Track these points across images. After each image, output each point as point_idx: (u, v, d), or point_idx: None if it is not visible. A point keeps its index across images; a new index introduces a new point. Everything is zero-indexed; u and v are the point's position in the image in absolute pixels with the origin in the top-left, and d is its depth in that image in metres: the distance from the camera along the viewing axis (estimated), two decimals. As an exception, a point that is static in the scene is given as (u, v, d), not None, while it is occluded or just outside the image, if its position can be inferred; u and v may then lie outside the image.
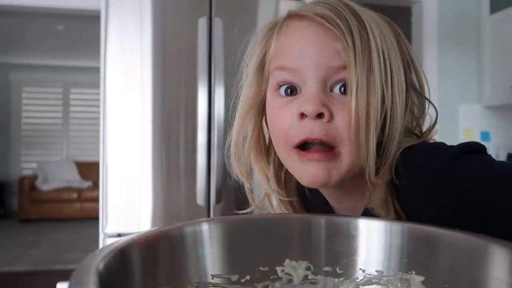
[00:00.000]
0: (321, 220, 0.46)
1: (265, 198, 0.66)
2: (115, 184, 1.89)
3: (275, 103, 0.58)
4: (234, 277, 0.43)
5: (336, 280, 0.43)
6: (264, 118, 0.62)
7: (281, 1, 2.02)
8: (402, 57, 0.57)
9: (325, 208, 0.65)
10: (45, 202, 6.22)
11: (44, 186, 6.29)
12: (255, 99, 0.61)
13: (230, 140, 0.63)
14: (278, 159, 0.61)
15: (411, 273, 0.39)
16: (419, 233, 0.40)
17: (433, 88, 0.63)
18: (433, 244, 0.39)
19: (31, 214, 6.15)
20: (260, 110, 0.62)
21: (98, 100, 2.43)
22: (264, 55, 0.60)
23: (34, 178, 6.41)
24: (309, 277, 0.44)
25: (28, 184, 6.23)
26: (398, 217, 0.54)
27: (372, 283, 0.42)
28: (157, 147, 1.92)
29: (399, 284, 0.40)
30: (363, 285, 0.42)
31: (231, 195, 1.94)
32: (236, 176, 0.64)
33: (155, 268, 0.39)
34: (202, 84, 1.92)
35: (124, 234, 1.45)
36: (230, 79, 1.88)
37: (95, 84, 3.27)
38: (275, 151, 0.61)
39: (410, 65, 0.59)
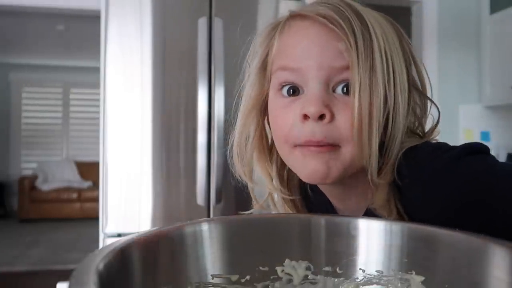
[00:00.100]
0: (321, 220, 0.46)
1: (269, 197, 0.67)
2: (115, 184, 1.89)
3: (277, 103, 0.58)
4: (234, 277, 0.43)
5: (336, 280, 0.43)
6: (266, 118, 0.62)
7: (281, 1, 2.02)
8: (405, 57, 0.57)
9: (327, 207, 0.65)
10: (45, 202, 6.22)
11: (44, 186, 6.29)
12: (257, 99, 0.61)
13: (233, 140, 0.63)
14: (281, 158, 0.62)
15: (411, 273, 0.39)
16: (419, 233, 0.41)
17: (433, 88, 0.63)
18: (433, 244, 0.39)
19: (31, 214, 6.15)
20: (263, 110, 0.62)
21: (98, 100, 2.43)
22: (267, 55, 0.60)
23: (34, 178, 6.41)
24: (309, 277, 0.44)
25: (28, 184, 6.23)
26: (400, 218, 0.54)
27: (372, 283, 0.42)
28: (157, 147, 1.92)
29: (399, 284, 0.40)
30: (363, 285, 0.42)
31: (231, 195, 1.94)
32: (239, 176, 0.64)
33: (155, 268, 0.39)
34: (202, 84, 1.92)
35: (124, 234, 1.45)
36: (230, 79, 1.88)
37: (95, 84, 3.27)
38: (277, 151, 0.61)
39: (412, 65, 0.59)
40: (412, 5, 2.85)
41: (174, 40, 1.95)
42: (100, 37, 1.95)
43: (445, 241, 0.38)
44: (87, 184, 6.55)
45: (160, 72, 1.93)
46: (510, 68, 2.63)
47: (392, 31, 0.57)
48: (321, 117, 0.53)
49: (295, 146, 0.55)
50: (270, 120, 0.60)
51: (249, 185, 0.65)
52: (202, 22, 1.93)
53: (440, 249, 0.39)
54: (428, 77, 0.61)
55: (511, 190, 0.48)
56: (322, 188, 0.64)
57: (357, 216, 0.56)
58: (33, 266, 4.20)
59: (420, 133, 0.61)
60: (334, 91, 0.54)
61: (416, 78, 0.60)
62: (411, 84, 0.58)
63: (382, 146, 0.54)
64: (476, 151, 0.52)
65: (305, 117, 0.53)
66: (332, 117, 0.53)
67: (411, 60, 0.59)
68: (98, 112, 2.27)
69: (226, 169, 1.91)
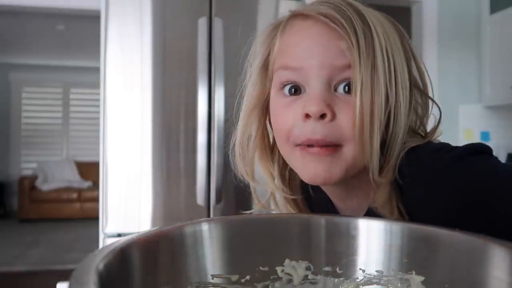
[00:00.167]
0: (321, 220, 0.46)
1: (270, 197, 0.67)
2: (115, 184, 1.89)
3: (279, 102, 0.58)
4: (234, 277, 0.43)
5: (336, 280, 0.43)
6: (268, 117, 0.62)
7: (281, 1, 2.02)
8: (406, 56, 0.57)
9: (329, 207, 0.65)
10: (45, 202, 6.22)
11: (44, 186, 6.29)
12: (259, 99, 0.61)
13: (235, 140, 0.63)
14: (282, 158, 0.62)
15: (411, 273, 0.39)
16: (419, 233, 0.40)
17: (433, 88, 0.63)
18: (433, 244, 0.39)
19: (31, 214, 6.15)
20: (264, 109, 0.62)
21: (98, 100, 2.43)
22: (268, 54, 0.60)
23: (34, 178, 6.41)
24: (309, 277, 0.44)
25: (28, 184, 6.23)
26: (401, 218, 0.54)
27: (372, 283, 0.42)
28: (157, 147, 1.92)
29: (399, 284, 0.40)
30: (363, 285, 0.42)
31: (231, 195, 1.94)
32: (241, 175, 0.64)
33: (155, 268, 0.39)
34: (202, 84, 1.92)
35: (124, 234, 1.45)
36: (230, 79, 1.88)
37: (95, 84, 3.27)
38: (279, 150, 0.61)
39: (413, 65, 0.59)
40: (412, 5, 2.85)
41: (174, 40, 1.95)
42: (100, 37, 1.95)
43: (445, 241, 0.38)
44: (87, 184, 6.55)
45: (160, 72, 1.93)
46: (510, 68, 2.63)
47: (393, 31, 0.57)
48: (322, 116, 0.53)
49: (296, 145, 0.55)
50: (271, 120, 0.60)
51: (251, 184, 0.65)
52: (202, 22, 1.93)
53: (440, 249, 0.39)
54: (429, 77, 0.61)
55: None
56: (323, 188, 0.64)
57: (357, 216, 0.56)
58: (33, 266, 4.20)
59: (422, 133, 0.61)
60: (335, 90, 0.54)
61: (417, 77, 0.60)
62: (413, 83, 0.58)
63: (384, 144, 0.54)
64: (478, 152, 0.52)
65: (307, 116, 0.53)
66: (333, 116, 0.53)
67: (412, 60, 0.59)
68: (98, 112, 2.27)
69: (226, 169, 1.91)
